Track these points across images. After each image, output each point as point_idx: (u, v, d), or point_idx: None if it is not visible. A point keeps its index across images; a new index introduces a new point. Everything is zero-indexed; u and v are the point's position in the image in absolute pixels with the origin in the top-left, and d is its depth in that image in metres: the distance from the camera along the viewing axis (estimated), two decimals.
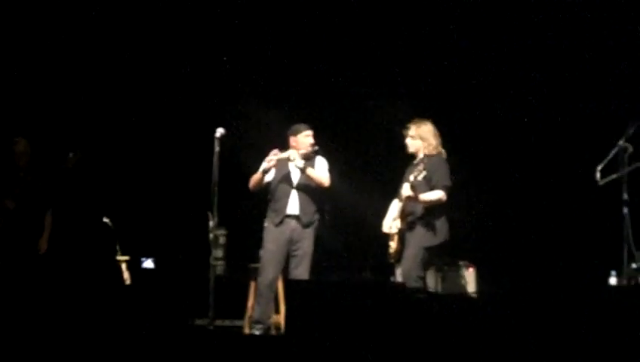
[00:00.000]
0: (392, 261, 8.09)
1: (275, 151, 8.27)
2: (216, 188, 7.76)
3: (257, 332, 8.06)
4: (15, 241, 8.39)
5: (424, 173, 7.62)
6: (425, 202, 7.76)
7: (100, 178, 10.32)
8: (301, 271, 8.12)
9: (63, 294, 6.65)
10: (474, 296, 8.57)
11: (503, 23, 9.85)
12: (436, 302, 6.13)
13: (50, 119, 10.22)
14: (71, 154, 8.41)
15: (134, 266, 9.87)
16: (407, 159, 8.09)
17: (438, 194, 7.77)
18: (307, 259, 8.17)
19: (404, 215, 7.88)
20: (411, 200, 7.77)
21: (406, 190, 7.77)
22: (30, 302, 6.52)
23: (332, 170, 8.36)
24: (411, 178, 7.71)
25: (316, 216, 8.26)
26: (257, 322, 8.14)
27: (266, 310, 8.16)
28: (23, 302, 6.59)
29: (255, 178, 8.30)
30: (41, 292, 6.74)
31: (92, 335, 6.01)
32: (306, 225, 8.19)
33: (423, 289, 7.72)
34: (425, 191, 7.76)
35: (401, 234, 7.90)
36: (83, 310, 6.47)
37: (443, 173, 7.85)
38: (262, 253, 8.32)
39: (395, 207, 8.07)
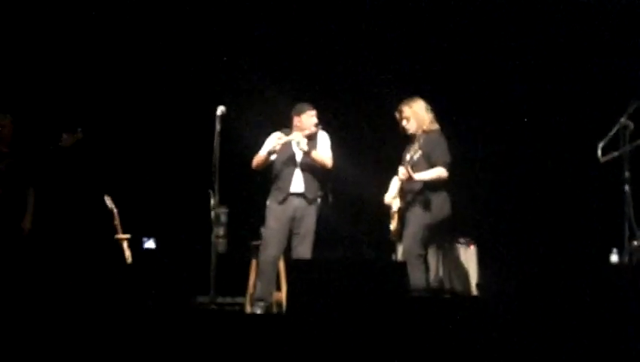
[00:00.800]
0: (393, 239, 8.10)
1: (279, 134, 8.26)
2: (217, 166, 7.74)
3: (259, 310, 8.07)
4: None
5: (419, 152, 7.62)
6: (424, 181, 7.75)
7: (99, 157, 10.30)
8: (303, 249, 8.13)
9: (60, 273, 6.66)
10: (475, 293, 8.58)
11: (503, 6, 9.82)
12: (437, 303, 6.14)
13: (47, 97, 10.19)
14: (65, 135, 8.32)
15: (136, 246, 9.89)
16: (408, 136, 8.08)
17: (437, 171, 7.76)
18: (309, 237, 8.18)
19: (402, 194, 7.89)
20: (409, 180, 7.75)
21: (401, 171, 7.76)
22: (24, 282, 6.52)
23: (334, 147, 8.36)
24: (407, 157, 7.71)
25: (319, 193, 8.27)
26: (259, 299, 8.14)
27: (267, 287, 8.17)
28: (15, 282, 6.58)
29: (260, 158, 8.30)
30: (35, 272, 6.74)
31: (93, 315, 6.02)
32: (310, 202, 8.19)
33: (426, 288, 7.69)
34: (424, 169, 7.75)
35: (401, 212, 7.91)
36: (83, 288, 6.48)
37: (442, 149, 7.84)
38: (264, 230, 8.35)
39: (395, 183, 8.07)
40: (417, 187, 7.79)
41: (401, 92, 8.48)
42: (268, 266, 8.17)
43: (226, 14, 10.32)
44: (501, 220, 9.91)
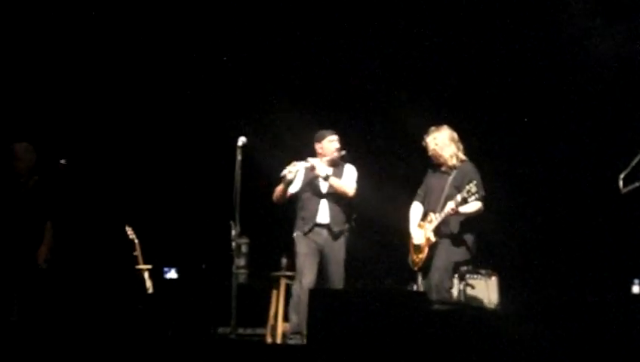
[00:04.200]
0: (416, 269, 8.03)
1: (295, 163, 8.20)
2: (238, 197, 7.74)
3: (293, 342, 7.81)
4: (15, 249, 8.20)
5: (472, 190, 7.62)
6: (466, 214, 7.73)
7: (120, 188, 10.36)
8: (336, 280, 8.00)
9: (81, 304, 6.69)
10: (495, 307, 8.56)
11: (528, 34, 9.84)
12: (458, 314, 6.12)
13: (67, 128, 10.26)
14: (62, 161, 8.23)
15: (157, 276, 9.92)
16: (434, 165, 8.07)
17: (477, 206, 7.73)
18: (341, 268, 8.04)
19: (438, 227, 7.80)
20: (455, 214, 7.70)
21: (450, 206, 7.65)
22: (45, 313, 6.54)
23: (360, 178, 8.30)
24: (459, 198, 7.61)
25: (346, 226, 8.15)
26: (296, 332, 7.85)
27: (305, 319, 7.56)
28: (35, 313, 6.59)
29: (278, 190, 8.17)
30: (56, 303, 6.76)
31: (115, 345, 6.04)
32: (336, 236, 8.06)
33: (446, 300, 7.67)
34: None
35: (432, 245, 7.82)
36: (104, 319, 6.51)
37: (478, 184, 7.77)
38: (297, 260, 8.07)
39: (417, 213, 8.04)
40: (454, 223, 7.78)
41: (428, 118, 8.47)
42: (304, 296, 7.64)
43: (248, 45, 10.38)
44: (522, 251, 9.89)
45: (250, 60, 10.48)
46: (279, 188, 8.17)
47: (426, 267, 7.87)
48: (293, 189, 8.20)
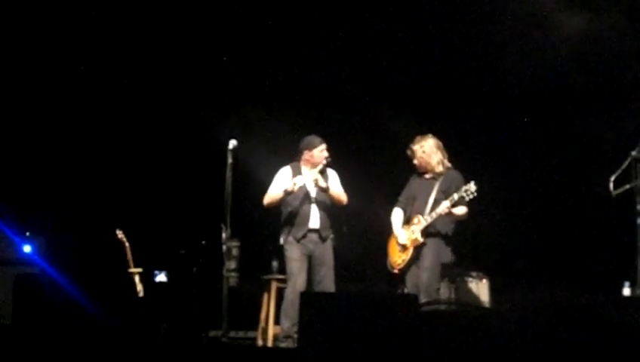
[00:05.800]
0: (396, 271, 8.06)
1: (288, 170, 8.25)
2: (229, 200, 7.74)
3: (284, 345, 7.86)
4: None
5: (471, 189, 7.73)
6: (455, 216, 7.86)
7: (111, 191, 10.34)
8: (328, 283, 8.08)
9: (71, 307, 6.67)
10: (487, 307, 8.56)
11: (515, 35, 9.85)
12: (451, 314, 6.12)
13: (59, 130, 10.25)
14: None
15: (148, 279, 9.90)
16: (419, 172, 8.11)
17: (464, 210, 7.90)
18: (331, 271, 8.13)
19: (426, 228, 7.87)
20: (448, 214, 7.81)
21: (445, 204, 7.76)
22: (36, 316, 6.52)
23: (343, 181, 8.36)
24: (455, 196, 7.76)
25: (331, 230, 8.23)
26: (288, 336, 7.92)
27: (295, 322, 7.77)
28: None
29: (275, 198, 8.20)
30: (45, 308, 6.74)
31: (105, 349, 6.03)
32: (324, 239, 8.14)
33: (439, 300, 7.72)
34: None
35: (418, 245, 7.88)
36: (94, 323, 6.49)
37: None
38: (288, 265, 8.17)
39: (398, 217, 8.11)
40: (442, 225, 7.87)
41: (413, 125, 8.51)
42: (297, 299, 7.34)
43: (237, 49, 10.38)
44: (513, 254, 9.89)
45: (239, 64, 10.48)
46: (277, 196, 8.19)
47: (407, 268, 7.99)
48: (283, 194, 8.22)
